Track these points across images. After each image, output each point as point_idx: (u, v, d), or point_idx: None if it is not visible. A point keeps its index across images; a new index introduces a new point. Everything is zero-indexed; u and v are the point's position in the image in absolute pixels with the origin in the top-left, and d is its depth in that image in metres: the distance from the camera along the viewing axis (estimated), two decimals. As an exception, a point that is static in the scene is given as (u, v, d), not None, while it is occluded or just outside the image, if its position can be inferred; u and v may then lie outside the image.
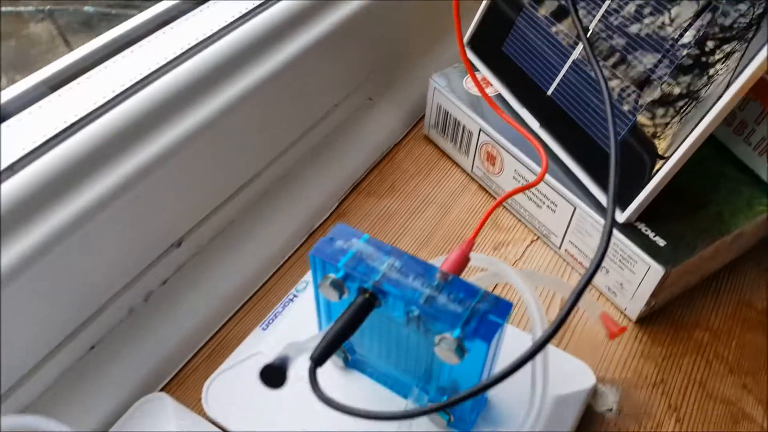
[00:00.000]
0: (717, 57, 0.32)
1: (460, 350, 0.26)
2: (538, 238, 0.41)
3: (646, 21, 0.35)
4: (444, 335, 0.26)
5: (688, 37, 0.33)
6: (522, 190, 0.29)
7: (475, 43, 0.44)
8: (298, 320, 0.35)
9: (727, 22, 0.31)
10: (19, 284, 0.28)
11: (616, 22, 0.36)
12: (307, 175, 0.42)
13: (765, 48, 0.30)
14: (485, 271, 0.29)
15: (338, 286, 0.28)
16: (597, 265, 0.23)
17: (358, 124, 0.45)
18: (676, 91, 0.33)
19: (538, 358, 0.28)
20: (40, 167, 0.29)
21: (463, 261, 0.28)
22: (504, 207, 0.43)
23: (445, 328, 0.26)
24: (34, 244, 0.28)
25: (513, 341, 0.33)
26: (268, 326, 0.35)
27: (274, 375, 0.23)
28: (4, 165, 0.29)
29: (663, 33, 0.34)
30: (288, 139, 0.41)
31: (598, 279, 0.38)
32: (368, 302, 0.27)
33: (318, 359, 0.26)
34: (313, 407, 0.31)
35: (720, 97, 0.31)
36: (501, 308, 0.26)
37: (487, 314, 0.26)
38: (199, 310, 0.36)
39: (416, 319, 0.27)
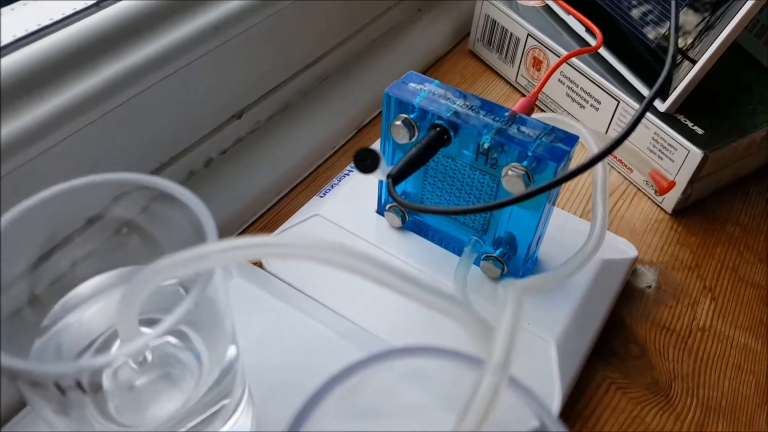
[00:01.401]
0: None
1: (528, 178, 0.27)
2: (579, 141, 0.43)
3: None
4: (512, 164, 0.28)
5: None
6: (584, 51, 0.31)
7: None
8: (354, 190, 0.36)
9: None
10: (83, 132, 0.29)
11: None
12: (360, 73, 0.44)
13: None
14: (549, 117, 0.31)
15: (410, 125, 0.30)
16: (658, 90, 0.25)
17: (407, 32, 0.47)
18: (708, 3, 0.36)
19: (599, 199, 0.29)
20: (112, 12, 0.30)
21: (530, 106, 0.30)
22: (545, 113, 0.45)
23: (514, 158, 0.28)
24: (100, 90, 0.29)
25: (562, 221, 0.35)
26: (325, 194, 0.36)
27: (367, 158, 0.24)
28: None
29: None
30: (343, 34, 0.43)
31: (637, 174, 0.40)
32: (440, 135, 0.29)
33: (395, 176, 0.27)
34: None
35: (740, 8, 0.34)
36: (568, 139, 0.28)
37: (554, 143, 0.27)
38: (254, 183, 0.38)
39: (486, 152, 0.28)
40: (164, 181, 0.21)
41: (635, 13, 0.39)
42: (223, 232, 0.36)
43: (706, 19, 0.36)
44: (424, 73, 0.48)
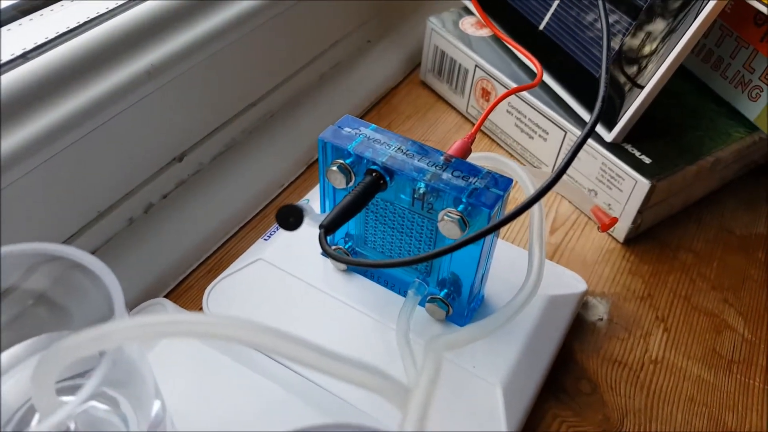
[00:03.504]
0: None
1: (463, 223, 0.27)
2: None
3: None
4: (447, 209, 0.27)
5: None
6: (523, 89, 0.31)
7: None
8: (299, 231, 0.36)
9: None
10: (19, 184, 0.28)
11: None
12: (309, 108, 0.43)
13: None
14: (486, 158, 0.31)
15: (346, 170, 0.29)
16: (596, 118, 0.24)
17: (357, 64, 0.47)
18: (655, 28, 0.36)
19: (536, 234, 0.29)
20: (42, 62, 0.29)
21: (466, 148, 0.30)
22: (497, 143, 0.45)
23: (449, 203, 0.27)
24: (34, 142, 0.28)
25: (511, 256, 0.35)
26: (270, 236, 0.36)
27: (290, 216, 0.23)
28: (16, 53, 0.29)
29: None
30: (290, 70, 0.43)
31: (587, 203, 0.39)
32: (376, 181, 0.28)
33: (327, 226, 0.27)
34: (311, 311, 0.33)
35: (685, 32, 0.34)
36: (502, 183, 0.27)
37: (489, 187, 0.27)
38: (198, 226, 0.37)
39: (422, 196, 0.28)
40: (76, 250, 0.21)
41: (581, 41, 0.39)
42: (166, 279, 0.35)
43: (669, 24, 0.35)
44: (376, 104, 0.48)
